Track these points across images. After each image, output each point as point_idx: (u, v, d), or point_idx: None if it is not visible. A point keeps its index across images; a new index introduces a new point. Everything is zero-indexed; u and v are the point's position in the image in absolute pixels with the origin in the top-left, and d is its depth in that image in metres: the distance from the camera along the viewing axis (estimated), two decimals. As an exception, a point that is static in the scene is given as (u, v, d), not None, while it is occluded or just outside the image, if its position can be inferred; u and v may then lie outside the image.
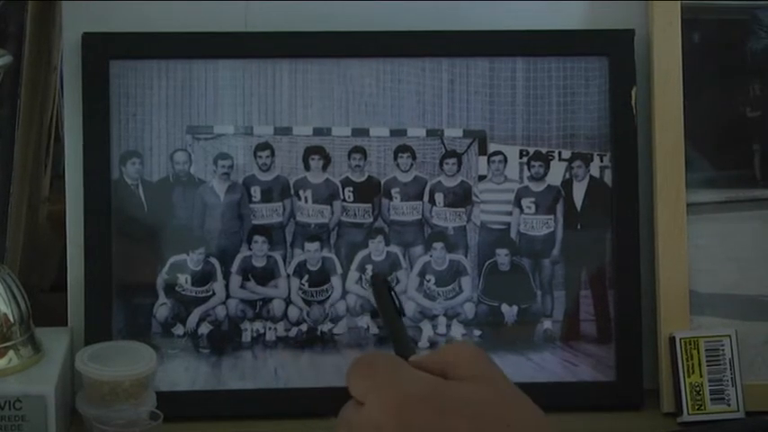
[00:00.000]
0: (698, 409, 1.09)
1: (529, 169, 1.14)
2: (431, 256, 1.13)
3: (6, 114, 1.16)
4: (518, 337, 1.13)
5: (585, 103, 1.15)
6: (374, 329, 1.13)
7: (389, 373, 0.77)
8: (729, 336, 1.10)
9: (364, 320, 1.13)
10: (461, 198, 1.14)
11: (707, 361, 1.10)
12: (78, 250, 1.11)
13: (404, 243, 1.13)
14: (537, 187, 1.14)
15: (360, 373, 0.78)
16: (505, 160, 1.14)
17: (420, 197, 1.14)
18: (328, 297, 1.13)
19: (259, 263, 1.12)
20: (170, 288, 1.11)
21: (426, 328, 1.13)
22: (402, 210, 1.14)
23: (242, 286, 1.12)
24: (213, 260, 1.12)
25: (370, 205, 1.13)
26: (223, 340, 1.12)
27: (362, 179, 1.13)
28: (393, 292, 1.05)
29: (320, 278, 1.13)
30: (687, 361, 1.10)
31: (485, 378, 0.76)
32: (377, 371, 0.77)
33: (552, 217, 1.14)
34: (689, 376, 1.09)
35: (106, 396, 1.01)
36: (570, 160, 1.14)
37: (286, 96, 1.13)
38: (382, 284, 1.05)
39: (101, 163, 1.11)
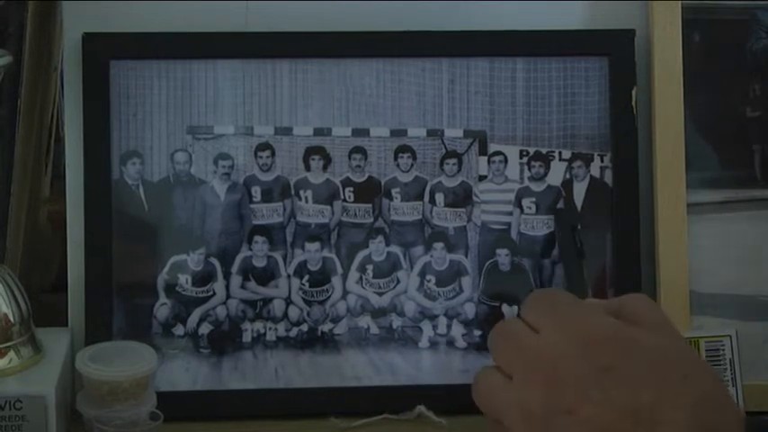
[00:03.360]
0: (698, 410, 1.09)
1: (529, 169, 1.14)
2: (431, 256, 1.13)
3: (6, 114, 1.16)
4: (518, 338, 1.13)
5: (586, 103, 1.15)
6: (374, 329, 1.13)
7: (573, 307, 0.75)
8: (730, 336, 1.10)
9: (365, 320, 1.13)
10: (462, 198, 1.14)
11: (707, 361, 1.09)
12: (79, 250, 1.11)
13: (404, 243, 1.13)
14: (537, 187, 1.14)
15: (538, 304, 0.75)
16: (506, 160, 1.14)
17: (420, 197, 1.14)
18: (329, 297, 1.13)
19: (259, 263, 1.12)
20: (170, 288, 1.11)
21: (426, 329, 1.13)
22: (402, 210, 1.14)
23: (242, 286, 1.12)
24: (214, 260, 1.12)
25: (370, 205, 1.13)
26: (223, 340, 1.12)
27: (363, 179, 1.13)
28: (577, 234, 1.03)
29: (321, 278, 1.13)
30: (687, 361, 1.09)
31: (664, 329, 0.75)
32: (559, 303, 0.75)
33: (553, 217, 1.14)
34: (689, 376, 1.09)
35: (106, 396, 1.00)
36: (570, 160, 1.14)
37: (286, 96, 1.13)
38: (566, 221, 1.04)
39: (101, 163, 1.11)
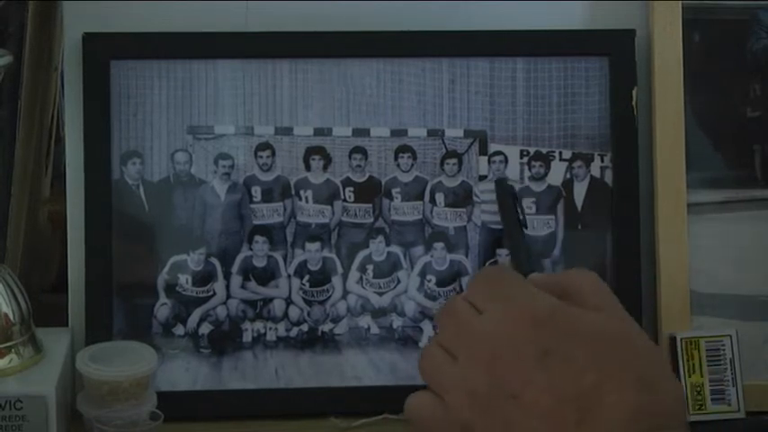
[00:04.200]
0: (698, 409, 1.09)
1: (529, 169, 1.14)
2: (431, 256, 1.13)
3: (7, 115, 1.16)
4: (519, 338, 1.13)
5: (586, 103, 1.15)
6: (375, 329, 1.13)
7: (516, 288, 0.75)
8: (730, 336, 1.10)
9: (365, 320, 1.13)
10: (462, 198, 1.14)
11: (707, 361, 1.10)
12: (79, 250, 1.11)
13: (404, 243, 1.13)
14: (537, 187, 1.14)
15: (482, 284, 0.76)
16: (506, 160, 1.14)
17: (421, 197, 1.14)
18: (329, 297, 1.13)
19: (260, 263, 1.12)
20: (171, 288, 1.11)
21: (427, 328, 1.13)
22: (403, 210, 1.14)
23: (243, 286, 1.12)
24: (214, 260, 1.12)
25: (370, 205, 1.13)
26: (224, 340, 1.12)
27: (363, 179, 1.13)
28: (516, 201, 1.03)
29: (321, 278, 1.13)
30: (688, 361, 1.10)
31: (607, 308, 0.75)
32: (500, 284, 0.75)
33: (553, 217, 1.14)
34: (689, 376, 1.09)
35: (106, 396, 1.01)
36: (571, 160, 1.14)
37: (287, 96, 1.13)
38: (506, 190, 1.04)
39: (101, 163, 1.11)
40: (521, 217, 1.02)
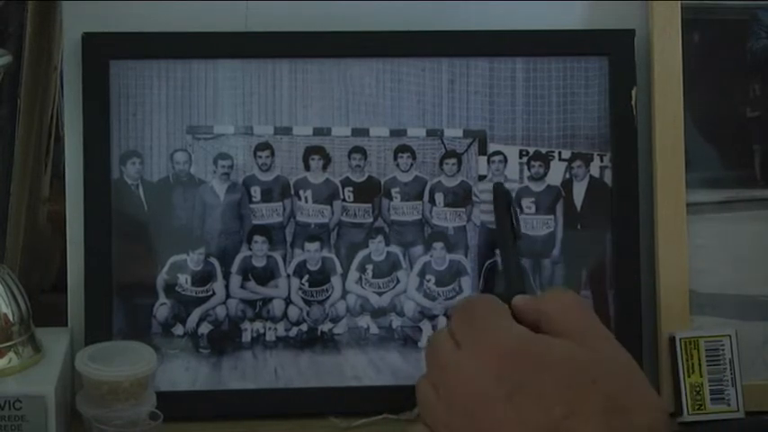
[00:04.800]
0: (698, 409, 1.09)
1: (529, 169, 1.14)
2: (431, 256, 1.13)
3: (6, 114, 1.16)
4: (518, 337, 1.13)
5: (585, 103, 1.15)
6: (374, 329, 1.13)
7: (488, 320, 0.77)
8: (729, 336, 1.10)
9: (364, 320, 1.13)
10: (461, 198, 1.14)
11: (707, 361, 1.10)
12: (78, 250, 1.11)
13: (404, 243, 1.13)
14: (537, 187, 1.14)
15: (461, 316, 0.78)
16: (505, 160, 1.14)
17: (420, 197, 1.14)
18: (328, 297, 1.13)
19: (259, 263, 1.12)
20: (170, 288, 1.11)
21: (426, 328, 1.13)
22: (402, 210, 1.14)
23: (242, 286, 1.12)
24: (213, 260, 1.12)
25: (370, 205, 1.13)
26: (223, 340, 1.12)
27: (362, 179, 1.13)
28: (512, 209, 1.04)
29: (320, 278, 1.13)
30: (687, 361, 1.10)
31: (577, 334, 0.76)
32: (475, 317, 0.78)
33: (552, 217, 1.14)
34: (689, 376, 1.09)
35: (106, 396, 1.01)
36: (570, 160, 1.14)
37: (286, 96, 1.13)
38: (502, 197, 1.04)
39: (101, 163, 1.11)
40: (515, 226, 1.03)
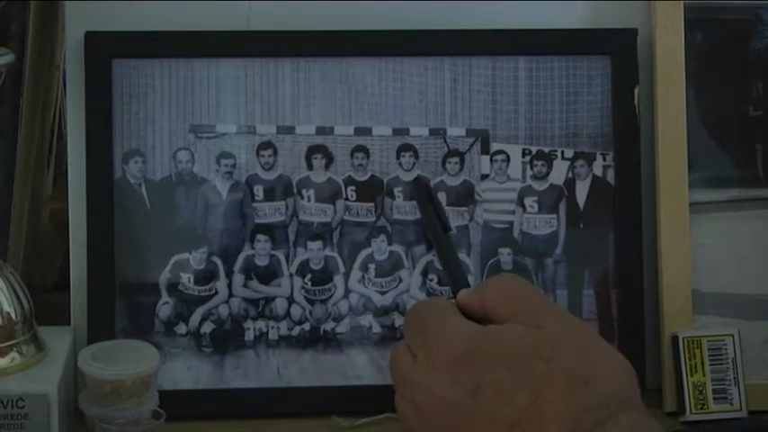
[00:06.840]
0: (700, 409, 1.09)
1: (531, 168, 1.14)
2: (433, 255, 1.13)
3: (9, 113, 1.16)
4: (520, 337, 1.13)
5: (588, 102, 1.15)
6: (377, 328, 1.13)
7: (435, 328, 0.77)
8: (732, 335, 1.10)
9: (367, 319, 1.13)
10: (464, 197, 1.14)
11: (710, 360, 1.10)
12: (81, 249, 1.11)
13: (406, 242, 1.13)
14: (540, 186, 1.14)
15: (411, 326, 0.79)
16: (508, 159, 1.14)
17: (423, 196, 1.14)
18: (331, 296, 1.13)
19: (262, 262, 1.12)
20: (173, 287, 1.11)
21: (429, 328, 1.13)
22: (405, 209, 1.13)
23: (245, 285, 1.12)
24: (216, 259, 1.12)
25: (372, 204, 1.13)
26: (226, 339, 1.12)
27: (365, 178, 1.13)
28: (436, 201, 1.04)
29: (323, 277, 1.13)
30: (690, 360, 1.10)
31: (523, 315, 0.76)
32: (423, 325, 0.78)
33: (555, 216, 1.14)
34: (692, 375, 1.09)
35: (109, 395, 1.01)
36: (573, 159, 1.14)
37: (288, 95, 1.13)
38: (424, 190, 1.04)
39: (103, 162, 1.11)
40: (442, 219, 1.02)
